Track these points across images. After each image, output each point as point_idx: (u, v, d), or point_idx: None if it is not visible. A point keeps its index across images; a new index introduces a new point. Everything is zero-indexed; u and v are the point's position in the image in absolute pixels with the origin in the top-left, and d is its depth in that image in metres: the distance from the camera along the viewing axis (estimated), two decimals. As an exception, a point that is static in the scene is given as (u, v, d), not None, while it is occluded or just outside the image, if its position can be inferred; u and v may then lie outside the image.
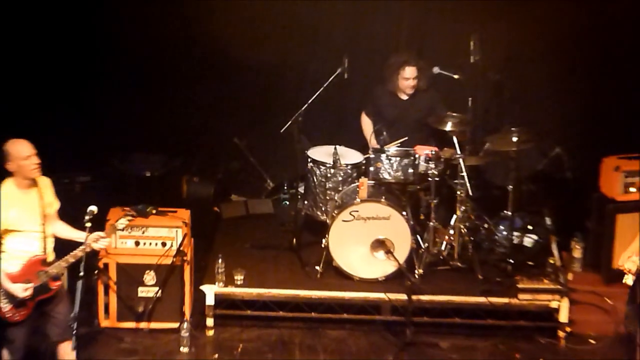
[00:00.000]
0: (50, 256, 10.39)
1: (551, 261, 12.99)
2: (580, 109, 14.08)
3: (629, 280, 10.88)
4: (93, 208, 10.33)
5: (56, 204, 10.64)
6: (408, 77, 13.33)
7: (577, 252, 13.20)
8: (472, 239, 13.22)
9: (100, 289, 12.38)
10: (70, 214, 10.89)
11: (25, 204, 10.36)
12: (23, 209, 10.32)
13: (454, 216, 13.14)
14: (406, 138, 13.18)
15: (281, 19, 14.15)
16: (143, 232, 12.42)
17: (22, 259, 10.30)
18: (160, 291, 12.37)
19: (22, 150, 10.24)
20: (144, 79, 14.01)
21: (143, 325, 12.43)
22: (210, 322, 12.50)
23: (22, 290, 10.18)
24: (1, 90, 13.50)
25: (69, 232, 10.70)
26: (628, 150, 13.14)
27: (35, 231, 10.37)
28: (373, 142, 13.29)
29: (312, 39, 14.19)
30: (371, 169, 12.97)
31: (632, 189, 12.94)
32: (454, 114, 13.09)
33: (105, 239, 10.45)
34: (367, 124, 13.66)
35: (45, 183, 10.52)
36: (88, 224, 10.27)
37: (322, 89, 13.24)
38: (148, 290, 12.39)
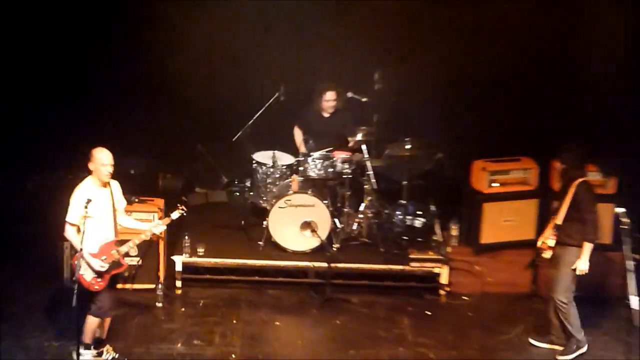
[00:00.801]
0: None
1: (435, 238, 13.22)
2: (456, 124, 14.08)
3: (547, 254, 11.11)
4: (89, 198, 10.33)
5: (123, 202, 10.80)
6: (329, 100, 13.38)
7: (454, 231, 13.28)
8: (376, 221, 13.32)
9: (96, 258, 12.60)
10: None
11: (100, 198, 10.45)
12: (98, 202, 10.41)
13: (362, 204, 13.27)
14: (331, 148, 13.21)
15: (234, 53, 14.01)
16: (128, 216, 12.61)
17: (99, 241, 10.46)
18: (140, 260, 12.51)
19: (103, 158, 10.38)
20: (129, 94, 13.86)
21: (128, 286, 12.52)
22: (179, 283, 12.69)
23: (99, 265, 10.41)
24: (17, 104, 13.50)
25: (132, 223, 10.97)
26: (491, 155, 13.26)
27: (108, 220, 10.55)
28: (302, 149, 13.36)
29: (259, 69, 14.06)
30: (301, 168, 13.09)
31: (494, 184, 12.99)
32: (363, 128, 13.14)
33: (161, 226, 10.86)
34: (298, 135, 13.64)
35: (116, 186, 10.69)
36: (86, 209, 10.24)
37: (264, 108, 13.45)
38: (132, 259, 12.34)
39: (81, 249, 10.32)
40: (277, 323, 12.17)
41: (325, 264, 12.56)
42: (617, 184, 12.27)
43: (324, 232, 12.82)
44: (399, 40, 13.92)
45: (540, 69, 13.89)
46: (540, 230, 12.80)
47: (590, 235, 10.93)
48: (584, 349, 11.14)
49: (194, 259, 12.71)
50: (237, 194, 14.17)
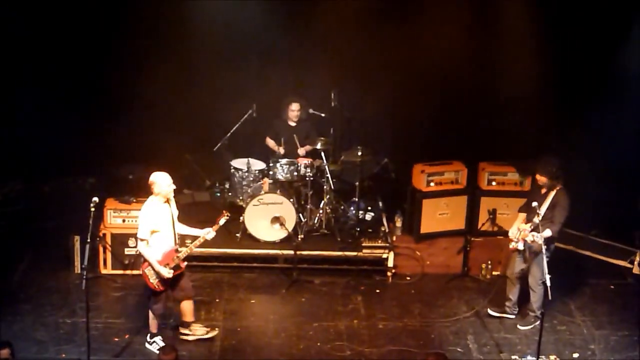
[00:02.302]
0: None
1: (382, 229, 13.30)
2: (399, 134, 14.17)
3: (519, 245, 11.29)
4: (95, 199, 10.32)
5: (176, 212, 10.75)
6: (294, 110, 13.41)
7: (399, 223, 13.38)
8: (334, 215, 13.37)
9: (101, 249, 12.54)
10: (83, 202, 10.84)
11: (164, 213, 10.53)
12: (162, 217, 10.52)
13: (322, 201, 13.28)
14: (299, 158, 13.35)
15: (214, 75, 13.99)
16: (128, 213, 12.59)
17: (162, 249, 10.53)
18: (138, 250, 12.51)
19: (166, 179, 10.50)
20: (129, 110, 13.80)
21: (128, 272, 12.53)
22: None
23: (167, 272, 10.50)
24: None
25: (187, 230, 10.91)
26: (428, 160, 13.32)
27: (170, 231, 10.61)
28: (280, 150, 13.47)
29: (234, 90, 13.96)
30: (271, 172, 13.10)
31: (432, 184, 13.06)
32: (322, 138, 13.28)
33: (212, 232, 10.73)
34: (270, 142, 13.66)
35: (172, 199, 10.69)
36: (93, 209, 10.22)
37: (239, 123, 13.53)
38: (131, 250, 12.53)
39: (144, 261, 10.54)
40: (253, 301, 12.26)
41: (292, 252, 12.64)
42: (532, 182, 12.38)
43: (290, 225, 12.85)
44: (351, 64, 13.97)
45: (469, 87, 14.01)
46: (470, 221, 13.11)
47: (554, 230, 11.11)
48: (538, 323, 11.18)
49: (183, 249, 12.51)
50: (218, 194, 14.07)
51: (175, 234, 10.63)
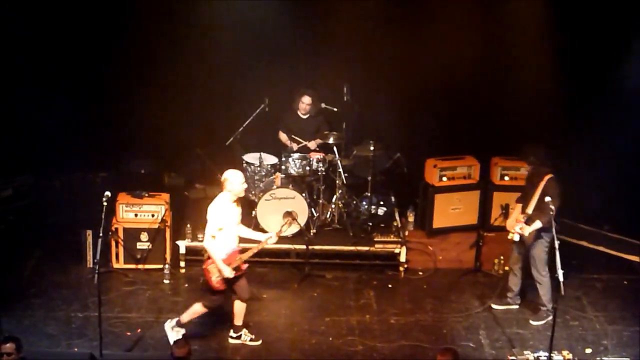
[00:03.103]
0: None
1: (395, 224, 13.36)
2: (411, 129, 14.06)
3: (515, 236, 11.33)
4: (108, 193, 10.46)
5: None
6: (305, 102, 13.38)
7: (411, 218, 13.41)
8: (346, 210, 13.35)
9: (113, 243, 12.57)
10: (94, 197, 11.03)
11: (232, 212, 10.49)
12: (230, 215, 10.47)
13: (334, 196, 13.28)
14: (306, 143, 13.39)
15: (226, 70, 13.96)
16: (140, 208, 12.63)
17: (227, 249, 10.49)
18: (150, 245, 12.61)
19: (240, 179, 10.45)
20: (139, 106, 13.69)
21: (140, 266, 12.62)
22: (182, 264, 12.74)
23: (230, 272, 10.44)
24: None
25: (250, 233, 10.87)
26: (441, 154, 13.38)
27: (235, 231, 10.58)
28: (293, 145, 13.46)
29: (247, 84, 13.96)
30: (283, 167, 13.10)
31: (444, 178, 13.08)
32: (334, 132, 13.24)
33: (273, 239, 10.66)
34: (282, 136, 13.65)
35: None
36: (105, 204, 10.33)
37: (251, 117, 13.45)
38: (143, 244, 12.59)
39: (208, 257, 10.50)
40: (265, 296, 12.23)
41: (304, 246, 12.67)
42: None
43: (302, 220, 12.80)
44: (365, 59, 13.91)
45: (481, 82, 13.96)
46: (483, 216, 13.10)
47: (544, 220, 11.10)
48: (551, 318, 11.23)
49: (195, 243, 12.65)
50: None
51: (238, 236, 10.68)
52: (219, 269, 10.43)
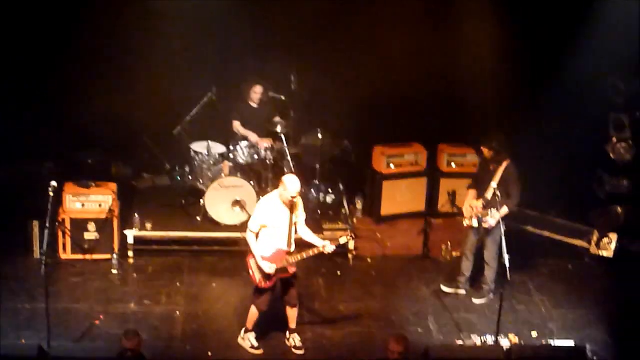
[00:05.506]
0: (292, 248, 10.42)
1: (343, 211, 13.35)
2: (356, 116, 13.93)
3: (474, 222, 11.45)
4: (54, 183, 10.38)
5: (303, 216, 10.48)
6: (257, 92, 13.33)
7: (359, 205, 13.44)
8: None
9: (60, 234, 12.47)
10: (41, 187, 10.85)
11: (279, 213, 10.27)
12: (276, 216, 10.27)
13: None
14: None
15: (173, 58, 13.83)
16: (87, 198, 12.53)
17: (271, 249, 10.32)
18: (98, 235, 12.53)
19: (292, 190, 10.13)
20: (85, 91, 13.56)
21: (88, 256, 12.52)
22: (130, 254, 12.67)
23: (268, 267, 10.29)
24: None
25: (310, 237, 10.53)
26: (388, 142, 13.46)
27: (284, 232, 10.32)
28: (244, 132, 13.40)
29: (195, 72, 13.83)
30: (231, 155, 13.09)
31: (392, 166, 13.18)
32: (282, 121, 13.24)
33: (331, 247, 10.39)
34: (237, 125, 13.47)
35: (299, 201, 10.39)
36: (51, 194, 10.28)
37: (199, 106, 13.42)
38: (90, 234, 12.52)
39: (250, 251, 10.39)
40: (214, 284, 12.24)
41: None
42: (480, 159, 12.38)
43: (251, 208, 12.48)
44: (311, 48, 13.87)
45: (429, 70, 13.95)
46: (430, 203, 13.17)
47: (512, 205, 11.30)
48: (492, 295, 11.73)
49: (143, 233, 12.71)
50: (178, 178, 14.03)
51: (290, 238, 10.40)
52: (258, 265, 10.34)
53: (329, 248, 10.37)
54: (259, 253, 10.31)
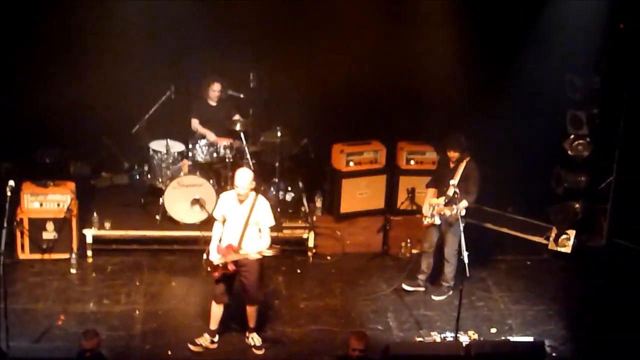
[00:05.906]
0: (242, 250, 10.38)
1: (303, 209, 13.35)
2: (317, 114, 13.94)
3: (436, 219, 11.52)
4: (11, 182, 10.37)
5: (266, 222, 10.47)
6: (215, 90, 13.31)
7: (319, 203, 13.46)
8: None
9: (18, 234, 12.36)
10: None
11: (233, 208, 10.40)
12: (230, 210, 10.42)
13: None
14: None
15: (130, 56, 13.67)
16: (45, 197, 12.46)
17: (226, 241, 10.41)
18: (56, 234, 12.45)
19: (239, 181, 10.29)
20: (42, 90, 13.33)
21: (46, 256, 12.45)
22: (89, 253, 12.59)
23: (214, 257, 10.44)
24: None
25: (261, 245, 10.41)
26: (347, 139, 13.47)
27: (237, 229, 10.38)
28: (202, 131, 13.40)
29: (152, 70, 13.73)
30: (190, 154, 13.08)
31: (351, 163, 13.20)
32: (241, 119, 13.26)
33: (269, 251, 10.32)
34: (195, 123, 13.48)
35: (261, 204, 10.43)
36: (9, 194, 10.26)
37: (157, 104, 13.37)
38: (49, 234, 12.43)
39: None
40: (174, 283, 12.22)
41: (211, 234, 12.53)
42: (439, 158, 12.53)
43: (210, 207, 12.61)
44: (271, 45, 13.86)
45: (387, 67, 14.02)
46: (389, 200, 13.21)
47: (471, 200, 11.44)
48: (451, 293, 11.84)
49: (102, 232, 12.64)
50: (137, 176, 13.97)
51: (242, 237, 10.41)
52: (207, 250, 10.51)
53: (267, 252, 10.39)
54: (215, 241, 10.46)
